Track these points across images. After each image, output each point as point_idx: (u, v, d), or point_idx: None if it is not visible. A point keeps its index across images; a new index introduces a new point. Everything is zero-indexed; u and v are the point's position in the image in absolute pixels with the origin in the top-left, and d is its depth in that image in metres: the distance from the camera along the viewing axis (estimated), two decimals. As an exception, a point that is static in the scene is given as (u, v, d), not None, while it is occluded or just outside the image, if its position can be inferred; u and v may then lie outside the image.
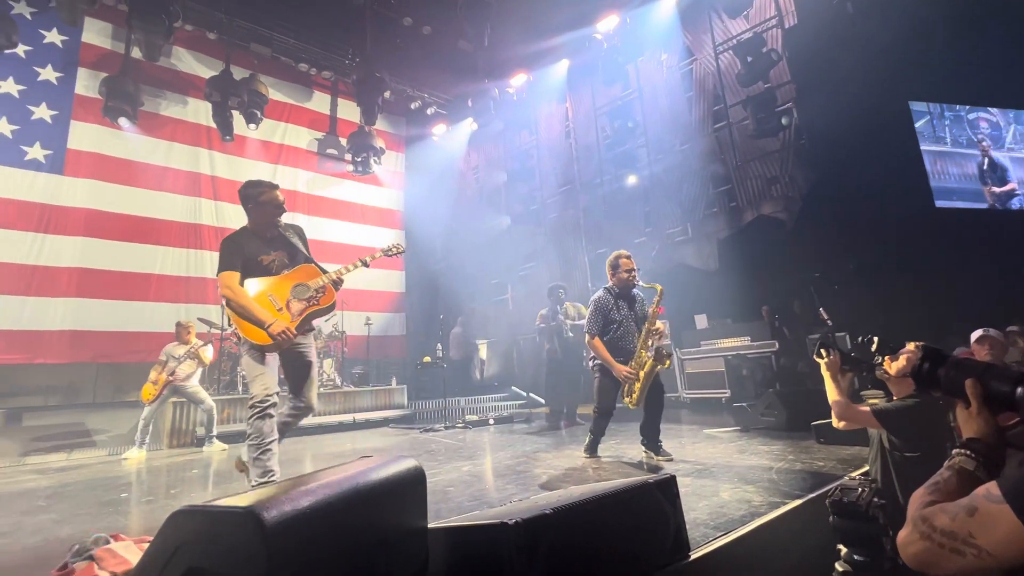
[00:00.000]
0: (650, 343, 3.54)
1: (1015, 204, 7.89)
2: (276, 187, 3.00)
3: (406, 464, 1.40)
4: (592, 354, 3.78)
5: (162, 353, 5.61)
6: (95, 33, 8.14)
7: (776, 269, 6.67)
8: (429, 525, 1.43)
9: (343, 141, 10.39)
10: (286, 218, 3.15)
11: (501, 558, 1.26)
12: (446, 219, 11.37)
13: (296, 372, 2.90)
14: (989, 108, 8.15)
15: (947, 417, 2.02)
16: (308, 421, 6.76)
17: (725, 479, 2.78)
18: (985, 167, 7.90)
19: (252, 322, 2.67)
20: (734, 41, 7.28)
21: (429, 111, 11.16)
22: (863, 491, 1.76)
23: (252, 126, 8.92)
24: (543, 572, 1.25)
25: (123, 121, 7.87)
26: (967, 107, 8.02)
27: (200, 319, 6.63)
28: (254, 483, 2.62)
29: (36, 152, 7.49)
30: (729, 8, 7.28)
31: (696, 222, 7.85)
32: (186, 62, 9.00)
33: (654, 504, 1.63)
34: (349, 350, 8.65)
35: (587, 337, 3.75)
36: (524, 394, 9.22)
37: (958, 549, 0.71)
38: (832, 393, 2.20)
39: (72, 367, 7.26)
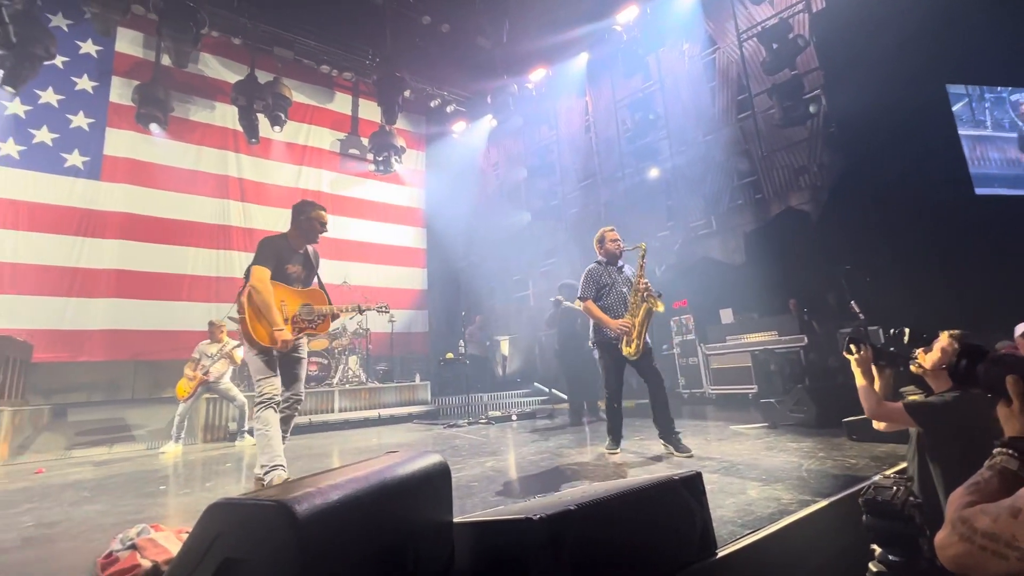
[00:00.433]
0: (640, 297, 3.67)
1: (1063, 190, 7.48)
2: (323, 209, 3.29)
3: (431, 459, 1.42)
4: (592, 334, 3.87)
5: (195, 351, 5.81)
6: (127, 42, 8.43)
7: (804, 262, 6.49)
8: (454, 520, 1.45)
9: (364, 141, 10.53)
10: None
11: (526, 553, 1.27)
12: (467, 216, 11.43)
13: (290, 368, 3.16)
14: (1034, 89, 7.73)
15: (988, 413, 1.93)
16: (335, 417, 6.95)
17: (753, 476, 2.73)
18: (1030, 151, 7.50)
19: (266, 320, 2.93)
20: (759, 28, 7.08)
21: (449, 109, 11.21)
22: (898, 490, 1.71)
23: (277, 128, 9.12)
24: (568, 568, 1.25)
25: (154, 127, 8.15)
26: (1009, 88, 7.63)
27: (230, 318, 6.82)
28: (266, 468, 2.84)
29: (75, 159, 7.82)
30: (753, -6, 7.09)
31: (720, 215, 7.70)
32: (213, 68, 9.25)
33: (680, 501, 1.61)
34: (373, 347, 8.79)
35: (580, 305, 3.91)
36: (546, 390, 9.22)
37: (1001, 552, 0.68)
38: (863, 390, 2.11)
39: (112, 364, 7.59)
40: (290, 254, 3.17)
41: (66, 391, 7.19)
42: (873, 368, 2.12)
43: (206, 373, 5.64)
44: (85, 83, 8.07)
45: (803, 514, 2.04)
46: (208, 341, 5.88)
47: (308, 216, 3.18)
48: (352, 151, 10.63)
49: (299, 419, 6.63)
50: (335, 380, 7.62)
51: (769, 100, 6.94)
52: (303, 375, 3.19)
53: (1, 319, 6.49)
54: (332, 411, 7.10)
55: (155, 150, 8.48)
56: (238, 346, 5.91)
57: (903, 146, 6.18)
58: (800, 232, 6.65)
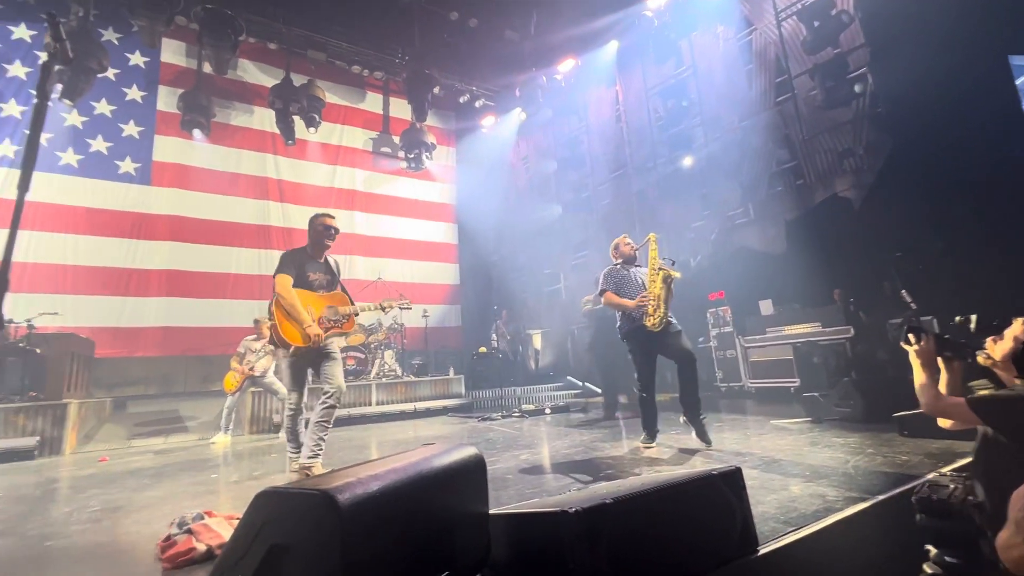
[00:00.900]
0: (656, 271, 3.69)
1: None
2: (326, 214, 3.54)
3: (467, 452, 1.44)
4: (620, 325, 3.89)
5: (240, 346, 6.06)
6: (171, 53, 8.83)
7: (850, 249, 6.19)
8: (490, 511, 1.47)
9: (396, 139, 10.70)
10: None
11: (562, 546, 1.27)
12: (497, 210, 11.45)
13: (324, 364, 3.34)
14: (1110, 56, 7.09)
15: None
16: (372, 410, 7.13)
17: (795, 473, 2.64)
18: (1105, 125, 6.88)
19: (295, 320, 3.17)
20: (798, 5, 6.76)
21: (478, 104, 11.24)
22: (955, 488, 1.62)
23: (312, 129, 9.38)
24: (605, 561, 1.25)
25: (197, 133, 8.56)
26: (1082, 57, 7.01)
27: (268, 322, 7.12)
28: (306, 455, 3.10)
29: (127, 166, 8.28)
30: (792, -30, 6.77)
31: (759, 202, 7.43)
32: (251, 73, 9.58)
33: (719, 496, 1.58)
34: (408, 342, 8.96)
35: (602, 300, 3.95)
36: (580, 383, 9.18)
37: None
38: (922, 384, 1.93)
39: (165, 360, 8.04)
40: (311, 263, 3.43)
41: (125, 385, 7.67)
42: (939, 361, 1.94)
43: (251, 368, 5.88)
44: (134, 93, 8.50)
45: (850, 512, 1.96)
46: (253, 337, 6.12)
47: (313, 225, 3.44)
48: (384, 149, 10.83)
49: (339, 412, 6.87)
50: (372, 374, 7.81)
51: (810, 81, 6.63)
52: (338, 372, 3.33)
53: (66, 318, 6.94)
54: (370, 404, 7.29)
55: (199, 154, 8.88)
56: (280, 344, 6.15)
57: (960, 124, 5.79)
58: (845, 218, 6.34)
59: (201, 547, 1.89)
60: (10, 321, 5.82)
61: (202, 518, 2.12)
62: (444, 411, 7.60)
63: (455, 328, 11.34)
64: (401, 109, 10.78)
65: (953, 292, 5.12)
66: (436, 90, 9.90)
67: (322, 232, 3.43)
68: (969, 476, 1.91)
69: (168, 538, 2.00)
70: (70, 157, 7.89)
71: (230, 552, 1.15)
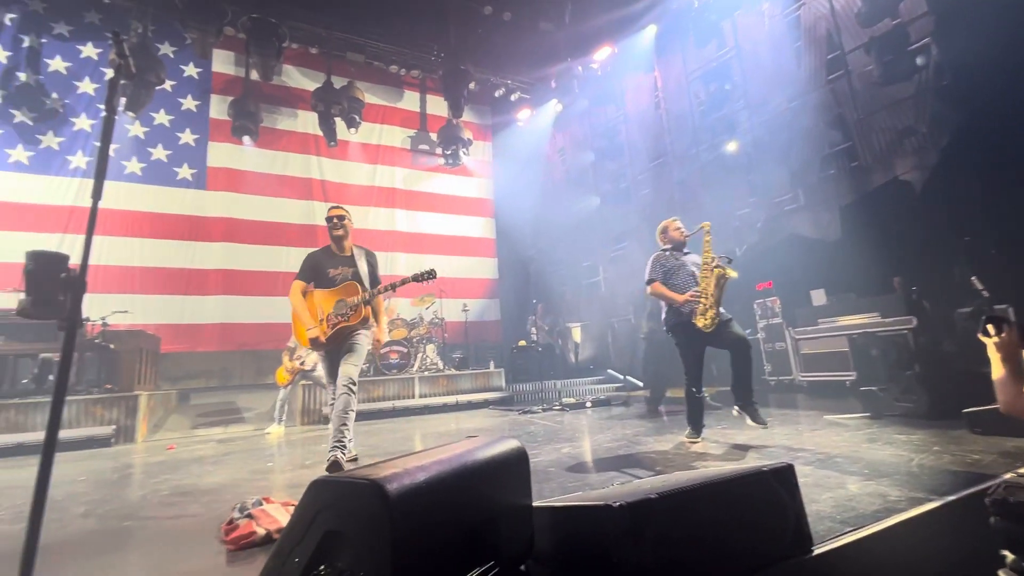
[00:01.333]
0: (710, 267, 3.53)
1: None
2: (331, 207, 3.66)
3: (510, 444, 1.46)
4: (665, 318, 3.77)
5: (290, 340, 6.34)
6: (221, 62, 9.28)
7: (911, 234, 5.79)
8: (534, 503, 1.48)
9: (433, 136, 10.84)
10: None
11: (607, 540, 1.26)
12: (535, 204, 11.42)
13: (343, 357, 3.38)
14: None
15: None
16: (415, 402, 7.30)
17: (853, 470, 2.52)
18: None
19: (302, 323, 3.36)
20: (852, -24, 6.35)
21: (513, 97, 11.21)
22: (1035, 490, 1.50)
23: (352, 130, 9.65)
24: (651, 556, 1.24)
25: (246, 138, 8.97)
26: None
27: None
28: (329, 447, 3.19)
29: (185, 172, 8.79)
30: (845, -62, 6.36)
31: (810, 187, 7.06)
32: (294, 78, 9.94)
33: (770, 493, 1.52)
34: (449, 336, 9.11)
35: (648, 289, 3.79)
36: (621, 377, 9.06)
37: None
38: (1001, 379, 1.78)
39: (223, 354, 8.54)
40: (331, 259, 3.53)
41: (188, 378, 8.20)
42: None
43: (302, 363, 6.15)
44: (189, 103, 9.00)
45: (914, 513, 1.85)
46: (302, 332, 6.38)
47: (326, 220, 3.56)
48: (422, 147, 11.00)
49: (383, 404, 7.08)
50: (415, 367, 8.00)
51: (866, 56, 6.22)
52: (350, 363, 3.32)
53: (135, 316, 7.47)
54: (413, 397, 7.47)
55: (248, 159, 9.32)
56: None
57: (1039, 94, 5.29)
58: (907, 201, 5.93)
59: (261, 531, 2.00)
60: (87, 319, 6.31)
61: (261, 504, 2.24)
62: (485, 404, 7.69)
63: (494, 322, 11.43)
64: (438, 106, 10.92)
65: (1031, 278, 4.71)
66: (472, 86, 9.94)
67: (328, 226, 3.55)
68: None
69: (231, 522, 2.13)
70: (134, 166, 8.45)
71: (288, 537, 1.22)
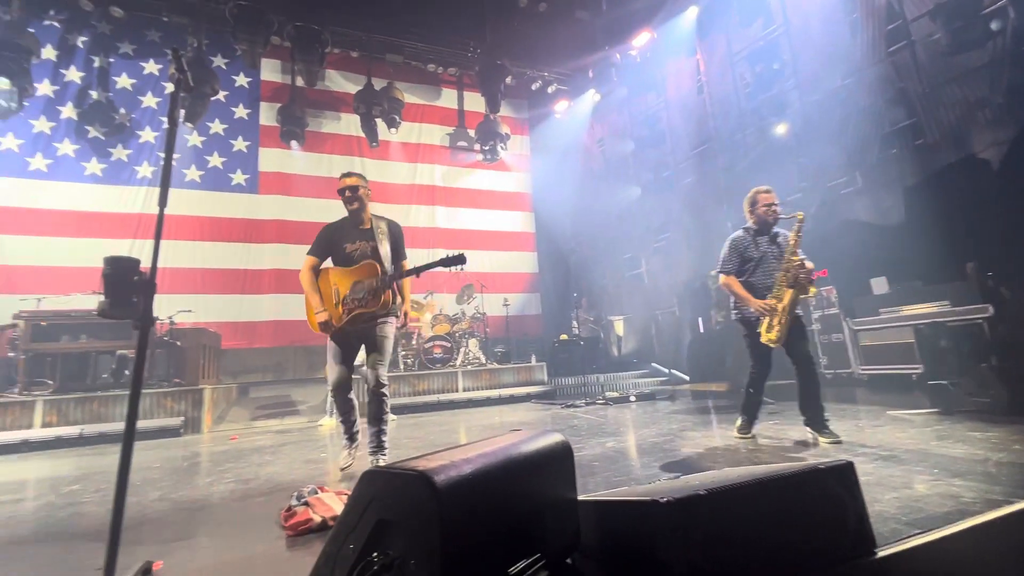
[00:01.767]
0: (790, 276, 3.24)
1: None
2: (345, 174, 3.24)
3: (554, 438, 1.46)
4: (734, 305, 3.54)
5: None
6: (268, 71, 9.69)
7: (986, 216, 5.33)
8: (579, 498, 1.47)
9: (471, 132, 10.91)
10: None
11: (654, 536, 1.25)
12: (574, 196, 11.30)
13: (368, 346, 3.15)
14: None
15: None
16: (459, 396, 7.43)
17: (920, 469, 2.37)
18: None
19: (311, 305, 3.06)
20: (915, -62, 5.88)
21: (550, 89, 11.11)
22: None
23: (393, 130, 9.87)
24: (700, 554, 1.21)
25: (293, 143, 9.36)
26: None
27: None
28: (368, 451, 3.13)
29: (239, 177, 9.27)
30: (906, -103, 5.89)
31: (868, 169, 6.63)
32: (336, 82, 10.25)
33: (828, 491, 1.46)
34: (491, 330, 9.19)
35: (721, 278, 3.55)
36: (665, 371, 8.88)
37: None
38: None
39: (277, 350, 8.99)
40: (349, 233, 3.15)
41: (246, 372, 8.69)
42: None
43: (350, 357, 6.37)
44: (241, 111, 9.47)
45: (991, 516, 1.72)
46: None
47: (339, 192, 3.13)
48: (461, 143, 11.10)
49: (428, 398, 7.23)
50: (458, 362, 8.13)
51: (931, 24, 5.75)
52: (374, 359, 3.04)
53: (198, 314, 7.96)
54: (456, 391, 7.60)
55: (296, 163, 9.72)
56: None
57: None
58: (981, 180, 5.47)
59: (317, 518, 2.10)
60: (157, 318, 6.77)
61: (316, 492, 2.36)
62: (528, 398, 7.72)
63: (535, 316, 11.44)
64: (475, 102, 10.97)
65: None
66: (508, 80, 9.93)
67: (342, 200, 3.14)
68: None
69: (289, 508, 2.25)
70: (193, 173, 8.99)
71: (343, 524, 1.27)
